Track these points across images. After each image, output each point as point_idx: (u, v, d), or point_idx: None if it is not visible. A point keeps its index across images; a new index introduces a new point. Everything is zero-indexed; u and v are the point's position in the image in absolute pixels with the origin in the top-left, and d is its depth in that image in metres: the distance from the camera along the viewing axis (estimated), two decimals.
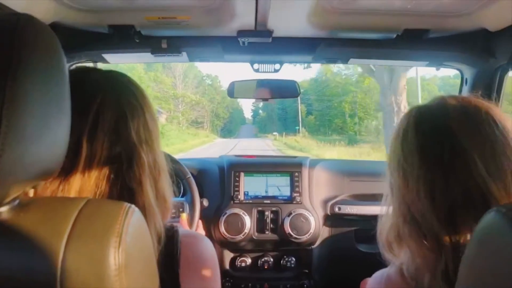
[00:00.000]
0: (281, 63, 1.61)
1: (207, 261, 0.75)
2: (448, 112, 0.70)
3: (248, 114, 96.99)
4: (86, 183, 0.61)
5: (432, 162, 0.68)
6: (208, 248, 0.77)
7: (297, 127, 51.48)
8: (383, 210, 0.79)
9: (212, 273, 0.75)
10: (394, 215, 0.75)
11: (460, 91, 1.57)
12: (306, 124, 54.78)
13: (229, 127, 73.33)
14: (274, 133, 52.24)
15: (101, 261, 0.43)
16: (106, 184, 0.62)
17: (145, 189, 0.65)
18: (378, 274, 0.79)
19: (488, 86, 1.38)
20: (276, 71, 1.65)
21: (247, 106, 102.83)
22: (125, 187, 0.64)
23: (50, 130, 0.47)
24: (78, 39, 1.36)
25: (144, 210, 0.64)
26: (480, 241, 0.46)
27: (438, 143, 0.68)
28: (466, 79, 1.51)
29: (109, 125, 0.63)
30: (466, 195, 0.64)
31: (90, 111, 0.62)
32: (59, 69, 0.50)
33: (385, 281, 0.75)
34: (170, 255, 0.68)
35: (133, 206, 0.50)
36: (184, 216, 1.42)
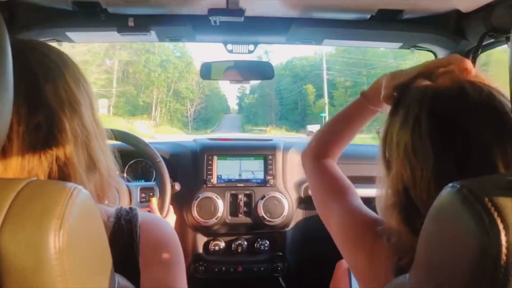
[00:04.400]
0: (255, 44, 1.58)
1: (168, 245, 0.72)
2: (467, 99, 0.62)
3: (232, 102, 73.90)
4: (12, 160, 0.57)
5: (445, 153, 0.60)
6: (169, 231, 0.75)
7: (323, 114, 33.52)
8: (377, 192, 0.76)
9: (173, 258, 0.72)
10: (387, 197, 0.70)
11: None
12: (312, 111, 36.05)
13: (205, 115, 49.30)
14: (311, 128, 24.42)
15: (39, 244, 0.41)
16: (33, 156, 0.58)
17: (70, 157, 0.61)
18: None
19: None
20: (250, 52, 1.62)
21: (231, 91, 78.59)
22: (53, 158, 0.59)
23: None
24: (40, 16, 1.29)
25: (70, 180, 0.60)
26: (435, 216, 0.46)
27: (452, 132, 0.61)
28: None
29: (20, 90, 0.56)
30: None
31: None
32: None
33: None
34: (128, 239, 0.66)
35: (79, 186, 0.47)
36: (154, 200, 1.39)
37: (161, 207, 1.45)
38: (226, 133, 38.39)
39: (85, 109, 0.65)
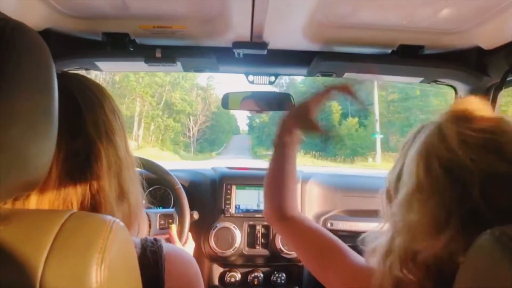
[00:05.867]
0: (276, 76, 1.61)
1: (191, 277, 0.73)
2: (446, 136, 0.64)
3: (243, 122, 67.02)
4: (49, 185, 0.59)
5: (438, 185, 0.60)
6: (192, 263, 0.75)
7: (375, 135, 24.56)
8: (379, 226, 0.75)
9: None
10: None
11: None
12: (337, 133, 17.39)
13: (210, 136, 42.86)
14: None
15: (82, 277, 0.41)
16: (69, 183, 0.61)
17: (103, 185, 0.63)
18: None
19: None
20: (271, 83, 1.65)
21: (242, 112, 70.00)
22: (87, 184, 0.62)
23: (37, 140, 0.46)
24: (71, 46, 1.34)
25: (101, 208, 0.63)
26: (473, 263, 0.46)
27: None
28: (460, 97, 1.51)
29: (63, 118, 0.56)
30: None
31: None
32: (47, 78, 0.48)
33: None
34: (154, 270, 0.66)
35: (117, 220, 0.48)
36: (174, 227, 1.39)
37: (180, 234, 1.44)
38: (235, 156, 33.24)
39: (120, 139, 0.69)
